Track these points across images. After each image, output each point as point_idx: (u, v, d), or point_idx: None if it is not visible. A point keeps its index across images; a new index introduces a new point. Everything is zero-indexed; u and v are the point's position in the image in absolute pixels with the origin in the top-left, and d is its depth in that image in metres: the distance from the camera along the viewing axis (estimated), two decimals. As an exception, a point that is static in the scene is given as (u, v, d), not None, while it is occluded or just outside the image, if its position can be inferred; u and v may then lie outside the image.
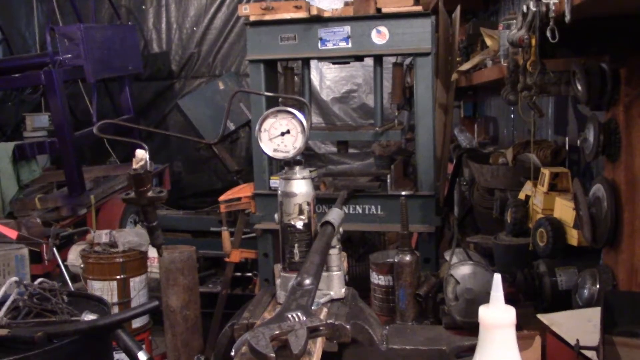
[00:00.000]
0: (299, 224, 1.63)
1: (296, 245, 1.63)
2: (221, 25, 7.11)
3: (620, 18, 1.76)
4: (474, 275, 2.24)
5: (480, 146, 4.47)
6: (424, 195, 3.51)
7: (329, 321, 1.46)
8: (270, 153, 1.65)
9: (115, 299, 3.66)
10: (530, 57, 1.81)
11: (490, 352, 1.18)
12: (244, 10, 3.58)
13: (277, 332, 1.21)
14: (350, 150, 6.05)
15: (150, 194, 1.89)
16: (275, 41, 3.55)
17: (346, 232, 1.84)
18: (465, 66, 3.61)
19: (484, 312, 1.20)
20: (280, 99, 3.76)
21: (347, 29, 3.46)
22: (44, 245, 4.17)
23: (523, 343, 1.37)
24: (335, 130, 4.35)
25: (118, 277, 3.69)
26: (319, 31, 3.49)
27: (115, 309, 3.50)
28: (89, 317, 2.22)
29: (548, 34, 1.61)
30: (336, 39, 3.48)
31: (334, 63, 4.51)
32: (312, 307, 1.37)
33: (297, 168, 1.64)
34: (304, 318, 1.26)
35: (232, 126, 5.46)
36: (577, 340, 1.56)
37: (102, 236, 3.82)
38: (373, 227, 3.71)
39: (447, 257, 2.53)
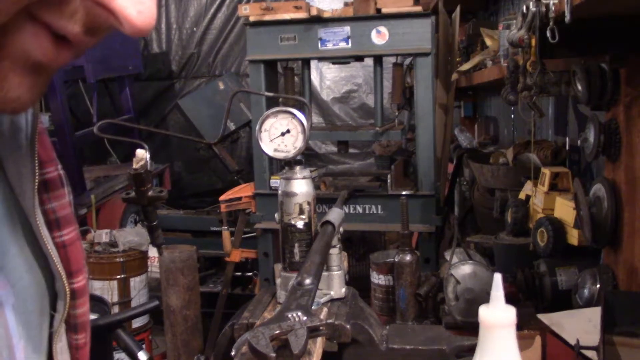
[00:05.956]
0: (300, 224, 1.62)
1: (296, 245, 1.63)
2: (221, 26, 7.10)
3: (620, 18, 1.76)
4: (474, 275, 2.23)
5: (480, 146, 4.47)
6: (425, 195, 3.51)
7: (329, 321, 1.46)
8: (271, 153, 1.65)
9: (115, 299, 3.66)
10: (530, 57, 1.81)
11: (490, 352, 1.18)
12: (244, 10, 3.58)
13: (277, 331, 1.21)
14: (351, 150, 6.05)
15: (150, 193, 1.89)
16: (275, 41, 3.55)
17: (346, 231, 1.84)
18: (465, 66, 3.61)
19: (484, 312, 1.19)
20: (280, 99, 3.76)
21: (347, 29, 3.46)
22: (44, 245, 4.16)
23: (523, 343, 1.37)
24: (335, 130, 4.35)
25: (118, 276, 3.70)
26: (319, 31, 3.49)
27: (116, 309, 3.51)
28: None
29: (548, 34, 1.61)
30: (336, 39, 3.48)
31: (334, 63, 4.52)
32: (312, 307, 1.37)
33: (298, 168, 1.64)
34: (304, 318, 1.26)
35: (232, 126, 5.45)
36: (577, 340, 1.56)
37: (103, 236, 3.83)
38: (373, 227, 3.71)
39: (448, 257, 2.53)
